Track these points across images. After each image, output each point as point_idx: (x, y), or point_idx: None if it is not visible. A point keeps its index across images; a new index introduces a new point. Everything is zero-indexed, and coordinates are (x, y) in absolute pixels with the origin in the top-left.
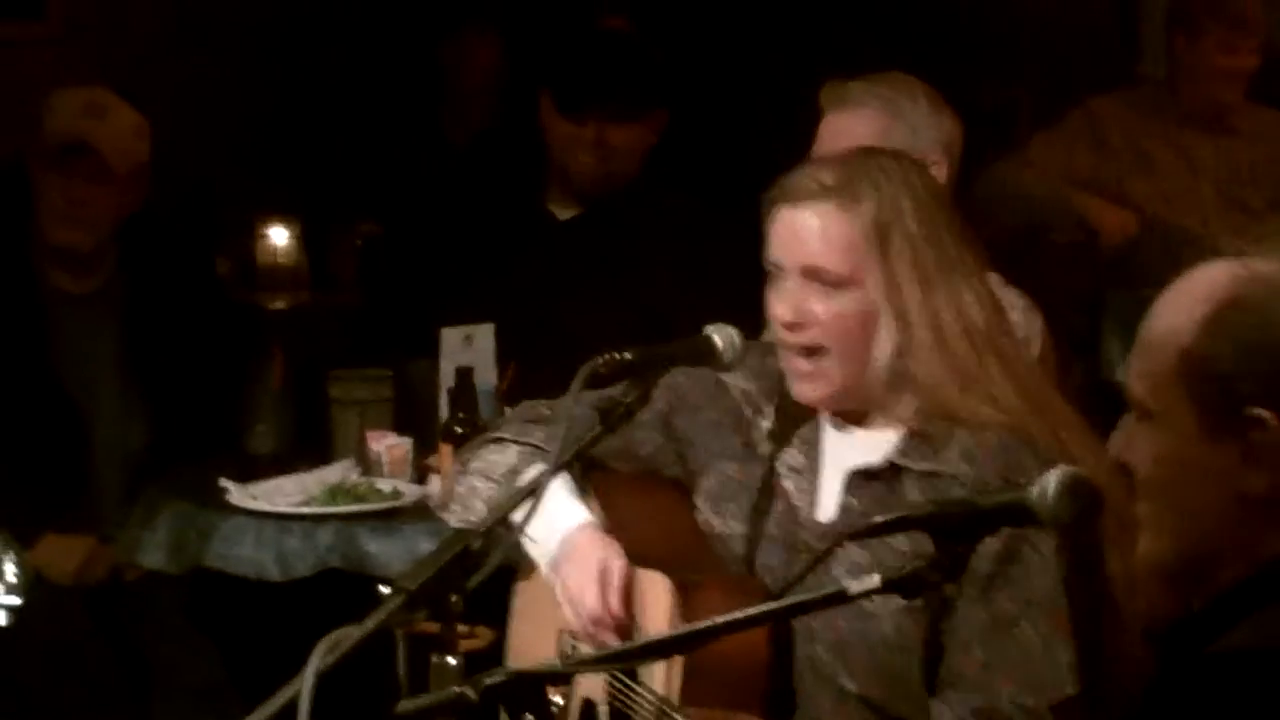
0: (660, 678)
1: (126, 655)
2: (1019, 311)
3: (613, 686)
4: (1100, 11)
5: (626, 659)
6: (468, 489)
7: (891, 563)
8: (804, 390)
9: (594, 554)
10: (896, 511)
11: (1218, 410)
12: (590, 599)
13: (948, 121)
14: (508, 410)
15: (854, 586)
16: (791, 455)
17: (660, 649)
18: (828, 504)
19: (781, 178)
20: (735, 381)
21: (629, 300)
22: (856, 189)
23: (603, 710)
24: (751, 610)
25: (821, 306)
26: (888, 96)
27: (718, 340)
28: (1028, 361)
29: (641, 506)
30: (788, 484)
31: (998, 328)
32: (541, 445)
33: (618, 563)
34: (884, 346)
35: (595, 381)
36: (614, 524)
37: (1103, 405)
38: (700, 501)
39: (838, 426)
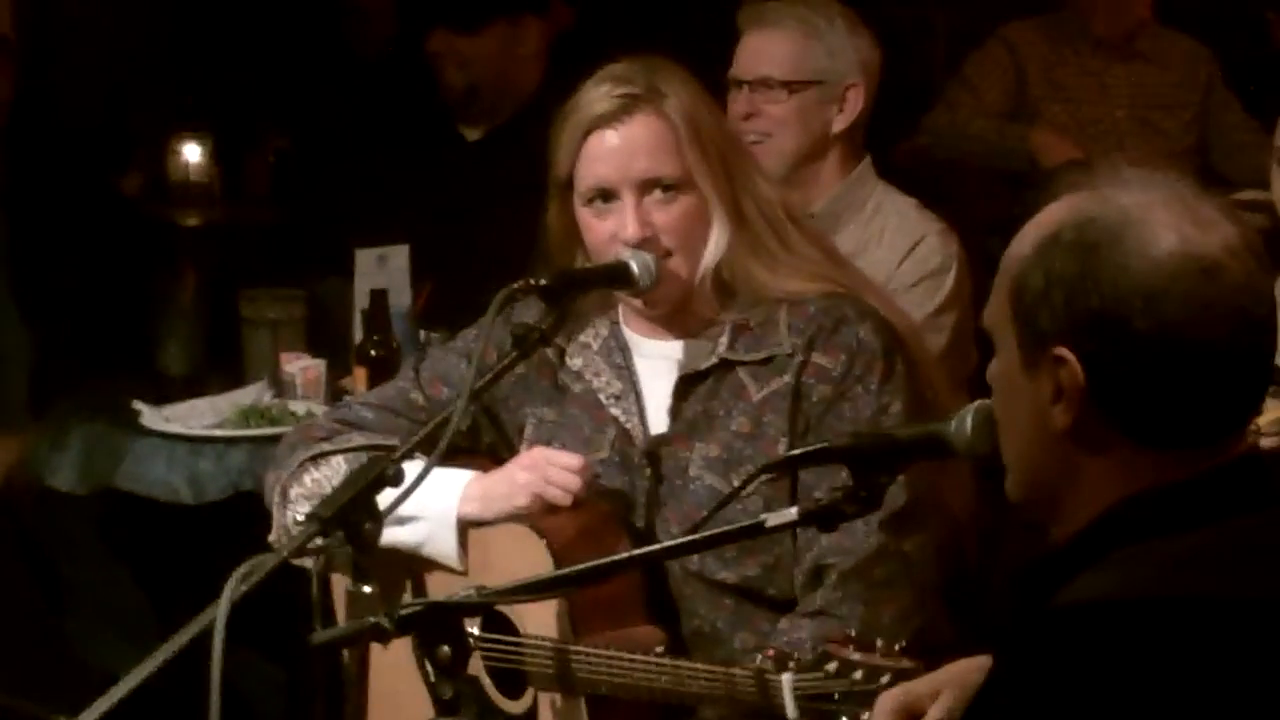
0: (549, 624)
1: (40, 574)
2: (934, 235)
3: (495, 652)
4: None
5: (541, 589)
6: (293, 519)
7: (738, 450)
8: (659, 296)
9: (510, 464)
10: (726, 401)
11: (1030, 342)
12: (560, 463)
13: (865, 44)
14: (424, 333)
15: (771, 519)
16: (607, 383)
17: (576, 579)
18: (658, 417)
19: (572, 99)
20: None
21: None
22: (659, 89)
23: (486, 682)
24: (669, 543)
25: (663, 214)
26: (804, 17)
27: (634, 265)
28: (823, 235)
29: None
30: (614, 410)
31: (788, 203)
32: (368, 445)
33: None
34: (719, 239)
35: (510, 306)
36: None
37: None
38: (525, 449)
39: (645, 345)
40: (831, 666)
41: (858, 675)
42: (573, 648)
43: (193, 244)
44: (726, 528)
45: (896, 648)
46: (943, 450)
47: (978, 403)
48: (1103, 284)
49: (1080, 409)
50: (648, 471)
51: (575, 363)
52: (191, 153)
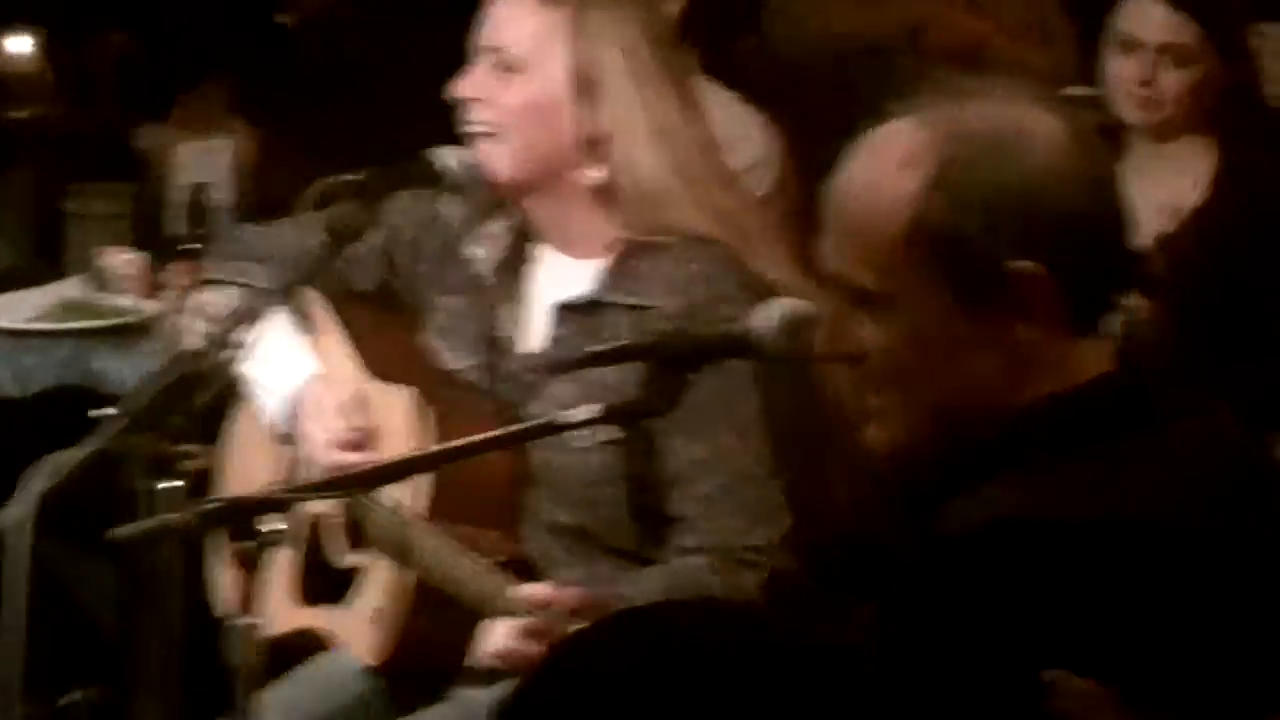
0: (409, 494)
1: None
2: (757, 128)
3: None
4: None
5: (343, 485)
6: (186, 326)
7: (593, 398)
8: (485, 173)
9: (328, 408)
10: (607, 343)
11: (975, 274)
12: (333, 456)
13: None
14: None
15: (571, 415)
16: (498, 282)
17: (376, 478)
18: (537, 335)
19: None
20: (452, 209)
21: (367, 113)
22: None
23: (333, 523)
24: (472, 439)
25: (495, 88)
26: None
27: (438, 163)
28: (738, 173)
29: (386, 331)
30: (500, 313)
31: (710, 139)
32: (260, 285)
33: (355, 417)
34: (580, 148)
35: (325, 203)
36: (354, 347)
37: None
38: (431, 337)
39: (543, 253)
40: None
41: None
42: (406, 518)
43: (22, 139)
44: (524, 425)
45: None
46: (747, 350)
47: (781, 302)
48: (1037, 194)
49: (1051, 317)
50: (510, 388)
51: (478, 252)
52: (20, 44)
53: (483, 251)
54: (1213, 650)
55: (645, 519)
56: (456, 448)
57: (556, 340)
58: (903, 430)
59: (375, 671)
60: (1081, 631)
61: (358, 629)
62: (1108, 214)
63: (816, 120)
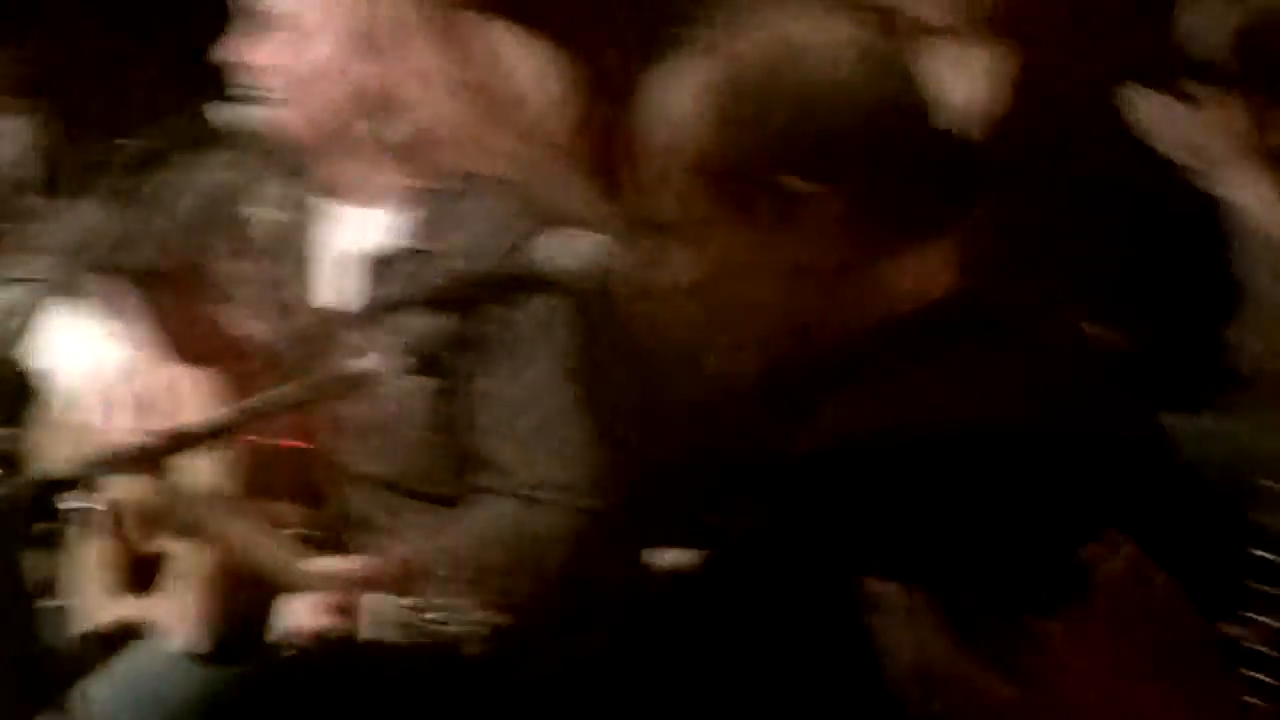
0: (208, 470)
1: None
2: (552, 67)
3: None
4: None
5: (144, 457)
6: None
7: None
8: (275, 136)
9: (125, 405)
10: (409, 292)
11: (761, 200)
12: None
13: None
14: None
15: (369, 364)
16: (293, 243)
17: (176, 446)
18: (334, 291)
19: None
20: (232, 172)
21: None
22: None
23: (138, 510)
24: (267, 396)
25: (280, 53)
26: None
27: (223, 122)
28: (530, 111)
29: (181, 307)
30: (292, 274)
31: (501, 81)
32: (51, 277)
33: (152, 413)
34: (370, 103)
35: (99, 170)
36: (151, 328)
37: None
38: (226, 306)
39: (333, 208)
40: None
41: None
42: (205, 499)
43: None
44: (317, 379)
45: None
46: (536, 284)
47: (568, 235)
48: (814, 113)
49: (855, 237)
50: (310, 348)
51: (262, 214)
52: None
53: (267, 213)
54: (1046, 546)
55: (455, 465)
56: (254, 408)
57: (359, 293)
58: (731, 359)
59: (193, 655)
60: (922, 539)
61: (173, 614)
62: (901, 127)
63: (615, 55)
